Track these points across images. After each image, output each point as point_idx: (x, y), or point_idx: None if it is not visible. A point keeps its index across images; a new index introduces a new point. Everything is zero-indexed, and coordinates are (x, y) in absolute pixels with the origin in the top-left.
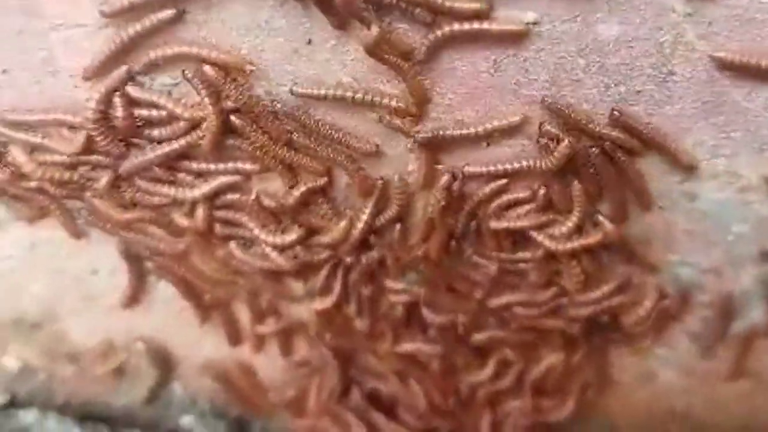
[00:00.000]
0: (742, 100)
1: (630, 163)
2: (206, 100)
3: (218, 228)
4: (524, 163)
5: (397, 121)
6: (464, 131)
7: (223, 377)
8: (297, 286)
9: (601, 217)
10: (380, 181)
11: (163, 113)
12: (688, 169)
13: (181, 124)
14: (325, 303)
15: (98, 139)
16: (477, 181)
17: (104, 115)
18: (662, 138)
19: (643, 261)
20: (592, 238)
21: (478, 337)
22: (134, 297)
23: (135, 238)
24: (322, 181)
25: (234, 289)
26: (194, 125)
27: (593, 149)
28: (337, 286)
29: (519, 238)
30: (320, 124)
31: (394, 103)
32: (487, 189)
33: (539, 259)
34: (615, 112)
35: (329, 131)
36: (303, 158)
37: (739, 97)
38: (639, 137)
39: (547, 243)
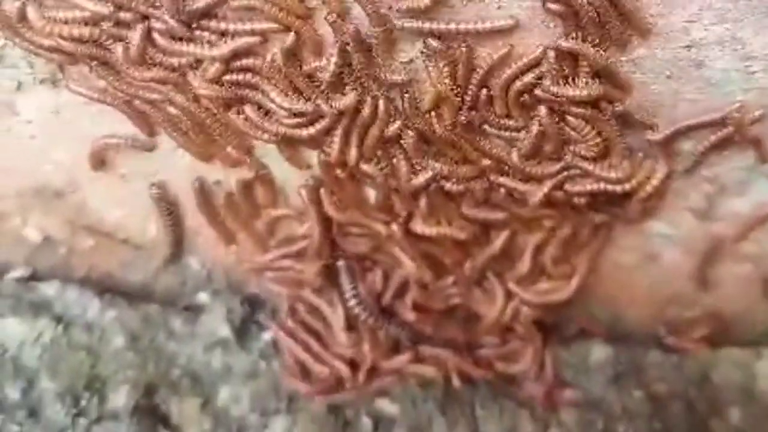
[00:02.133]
0: None
1: None
2: None
3: (232, 91)
4: None
5: None
6: None
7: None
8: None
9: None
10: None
11: None
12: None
13: None
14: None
15: None
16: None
17: None
18: None
19: (647, 125)
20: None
21: (488, 215)
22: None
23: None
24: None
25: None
26: None
27: None
28: (353, 149)
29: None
30: None
31: None
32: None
33: (550, 124)
34: None
35: None
36: None
37: None
38: None
39: (555, 90)
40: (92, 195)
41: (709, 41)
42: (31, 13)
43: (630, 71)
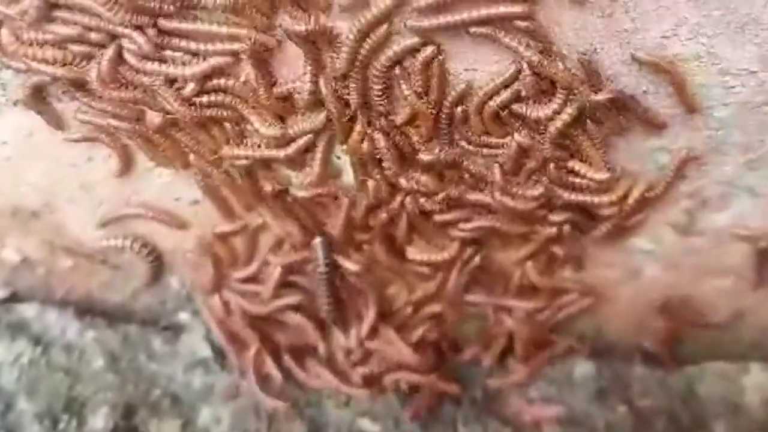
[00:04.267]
0: None
1: None
2: None
3: (207, 112)
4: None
5: None
6: None
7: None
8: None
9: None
10: None
11: None
12: None
13: None
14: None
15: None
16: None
17: None
18: None
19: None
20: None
21: (466, 226)
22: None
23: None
24: None
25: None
26: None
27: None
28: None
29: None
30: None
31: None
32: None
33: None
34: None
35: None
36: None
37: None
38: None
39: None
40: (70, 216)
41: (686, 56)
42: (4, 35)
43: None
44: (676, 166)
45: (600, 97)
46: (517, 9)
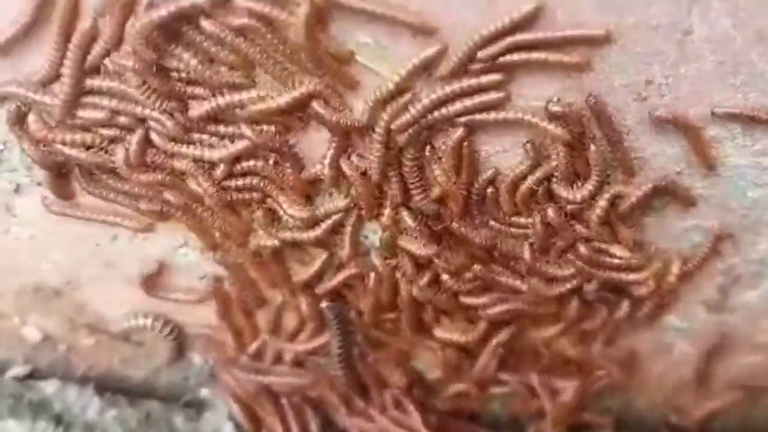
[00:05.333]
0: (758, 61)
1: None
2: None
3: (236, 195)
4: None
5: None
6: None
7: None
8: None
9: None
10: None
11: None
12: None
13: None
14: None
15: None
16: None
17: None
18: None
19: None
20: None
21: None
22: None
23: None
24: None
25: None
26: None
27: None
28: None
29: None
30: None
31: None
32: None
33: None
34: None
35: None
36: None
37: (755, 57)
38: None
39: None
40: (93, 294)
41: (721, 138)
42: (32, 119)
43: (638, 165)
44: (710, 244)
45: (639, 193)
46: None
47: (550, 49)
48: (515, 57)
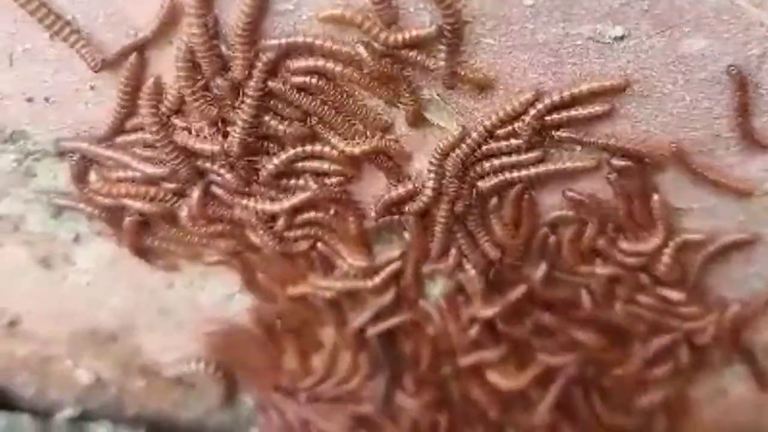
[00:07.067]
0: None
1: None
2: None
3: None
4: None
5: None
6: None
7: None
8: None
9: None
10: None
11: None
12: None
13: None
14: None
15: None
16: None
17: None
18: None
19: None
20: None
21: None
22: None
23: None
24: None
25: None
26: None
27: None
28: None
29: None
30: None
31: None
32: None
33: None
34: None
35: None
36: None
37: None
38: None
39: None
40: (147, 339)
41: None
42: (93, 174)
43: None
44: None
45: (711, 249)
46: None
47: None
48: None
